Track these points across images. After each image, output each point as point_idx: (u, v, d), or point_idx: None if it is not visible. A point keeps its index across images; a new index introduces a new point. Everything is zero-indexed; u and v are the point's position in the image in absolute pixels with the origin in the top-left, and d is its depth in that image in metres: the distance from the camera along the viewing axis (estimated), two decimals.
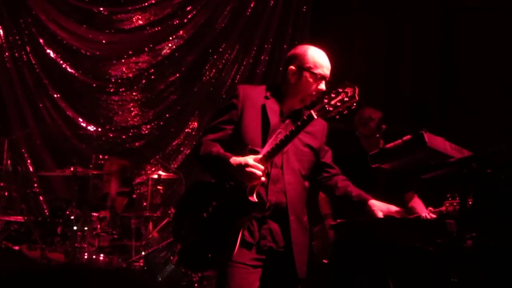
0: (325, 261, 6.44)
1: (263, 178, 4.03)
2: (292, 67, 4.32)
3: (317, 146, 4.41)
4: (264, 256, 4.18)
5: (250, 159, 4.02)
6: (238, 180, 4.08)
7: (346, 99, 3.95)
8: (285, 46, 9.30)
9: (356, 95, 3.94)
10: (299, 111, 4.37)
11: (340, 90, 3.97)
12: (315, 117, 4.00)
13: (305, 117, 4.02)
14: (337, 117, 4.02)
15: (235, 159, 4.06)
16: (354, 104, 3.97)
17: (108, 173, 8.65)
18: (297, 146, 4.22)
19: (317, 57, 4.31)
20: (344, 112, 4.00)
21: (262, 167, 4.01)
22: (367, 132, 6.27)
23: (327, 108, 3.98)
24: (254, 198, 4.03)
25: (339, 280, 4.40)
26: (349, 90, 3.96)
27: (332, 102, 3.97)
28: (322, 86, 4.27)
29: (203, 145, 4.28)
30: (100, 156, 9.39)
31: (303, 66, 4.29)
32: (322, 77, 4.27)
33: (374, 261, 3.77)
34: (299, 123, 4.03)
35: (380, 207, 4.20)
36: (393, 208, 4.20)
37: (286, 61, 4.42)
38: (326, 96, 4.01)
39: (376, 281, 4.36)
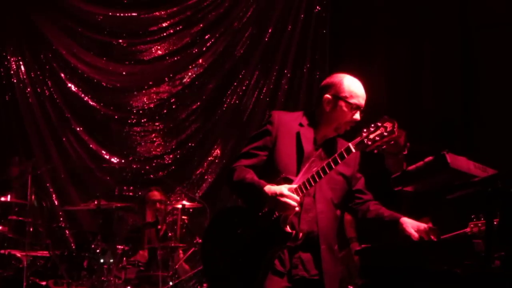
0: (350, 286, 6.39)
1: (297, 209, 4.01)
2: (328, 95, 4.30)
3: (350, 174, 4.39)
4: (295, 285, 4.14)
5: (285, 189, 4.00)
6: (271, 209, 4.04)
7: (385, 133, 3.92)
8: (305, 70, 9.32)
9: (396, 130, 3.92)
10: (332, 140, 4.37)
11: (379, 124, 3.95)
12: (353, 150, 4.00)
13: (343, 151, 4.00)
14: (375, 151, 3.99)
15: (270, 188, 4.03)
16: (393, 139, 3.94)
17: (160, 200, 8.64)
18: (331, 174, 4.13)
19: (353, 87, 4.30)
20: (383, 147, 3.97)
21: (297, 197, 3.99)
22: (395, 149, 6.21)
23: (366, 142, 3.96)
24: (288, 228, 4.01)
25: None
26: (388, 125, 3.93)
27: (371, 136, 3.95)
28: (357, 116, 4.26)
29: (237, 171, 4.26)
30: (124, 188, 9.41)
31: (338, 95, 4.27)
32: (358, 107, 4.26)
33: (400, 286, 3.69)
34: (336, 156, 4.01)
35: (411, 224, 4.14)
36: (423, 225, 4.13)
37: (321, 89, 4.40)
38: (365, 130, 3.99)
39: None
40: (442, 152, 3.61)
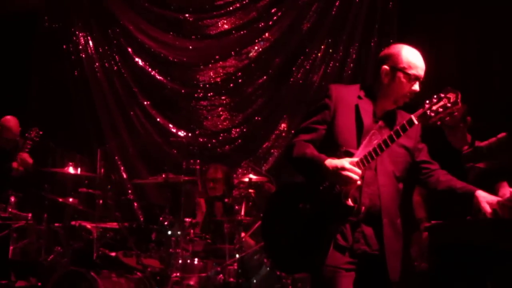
0: (424, 264, 6.33)
1: (359, 182, 3.97)
2: (386, 67, 4.25)
3: (412, 146, 4.32)
4: (357, 260, 4.12)
5: (346, 163, 3.96)
6: (333, 183, 4.02)
7: (448, 104, 3.84)
8: (372, 45, 9.14)
9: (459, 101, 3.83)
10: (392, 112, 4.31)
11: (442, 95, 3.87)
12: (416, 122, 3.93)
13: (405, 123, 3.94)
14: (438, 123, 3.91)
15: (331, 162, 4.00)
16: (456, 110, 3.86)
17: (213, 179, 8.70)
18: (392, 147, 4.09)
19: (412, 57, 4.22)
20: (446, 119, 3.89)
21: (359, 171, 3.95)
22: (450, 122, 6.08)
23: (429, 114, 3.89)
24: (350, 202, 3.98)
25: (436, 286, 4.26)
26: (451, 96, 3.84)
27: (434, 108, 3.87)
28: (416, 87, 4.18)
29: (296, 146, 4.24)
30: (191, 161, 9.47)
31: (396, 66, 4.21)
32: (416, 78, 4.18)
33: (472, 266, 3.62)
34: (398, 128, 3.96)
35: (487, 198, 4.05)
36: (498, 199, 4.03)
37: (379, 61, 4.33)
38: (427, 101, 3.91)
39: None
40: None
